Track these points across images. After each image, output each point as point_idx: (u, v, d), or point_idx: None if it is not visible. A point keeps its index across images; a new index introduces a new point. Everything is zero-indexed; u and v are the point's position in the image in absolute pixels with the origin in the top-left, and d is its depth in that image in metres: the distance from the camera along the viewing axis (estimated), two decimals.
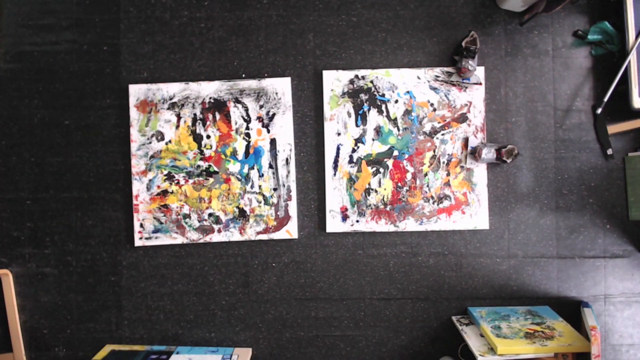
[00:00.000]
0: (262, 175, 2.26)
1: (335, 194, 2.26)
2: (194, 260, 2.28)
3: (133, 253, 2.28)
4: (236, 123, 2.27)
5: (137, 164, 2.26)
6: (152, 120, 2.26)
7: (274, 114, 2.27)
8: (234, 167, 2.26)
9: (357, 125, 2.27)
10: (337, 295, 2.28)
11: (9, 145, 2.29)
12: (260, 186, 2.26)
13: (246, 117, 2.27)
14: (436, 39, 2.28)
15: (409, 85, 2.26)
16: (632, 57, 2.13)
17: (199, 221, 2.26)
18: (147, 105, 2.26)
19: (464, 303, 2.28)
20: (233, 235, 2.26)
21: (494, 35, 2.28)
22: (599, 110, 2.20)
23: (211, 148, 2.26)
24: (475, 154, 2.22)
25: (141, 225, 2.25)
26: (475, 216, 2.25)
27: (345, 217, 2.26)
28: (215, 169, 2.26)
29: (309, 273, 2.28)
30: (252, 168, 2.27)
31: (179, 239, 2.25)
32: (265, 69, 2.29)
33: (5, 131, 2.29)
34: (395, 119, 2.26)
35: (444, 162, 2.26)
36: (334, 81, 2.26)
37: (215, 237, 2.26)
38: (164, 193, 2.25)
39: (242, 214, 2.26)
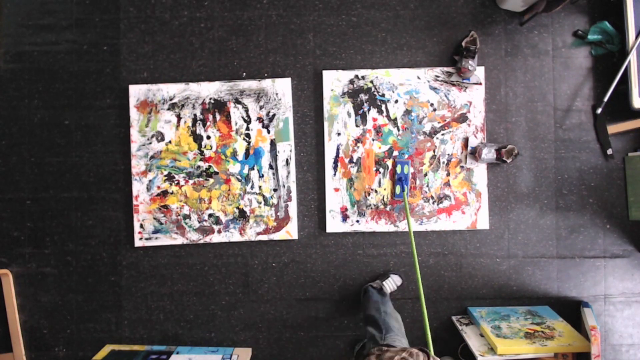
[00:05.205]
0: (262, 175, 2.26)
1: (335, 194, 2.26)
2: (194, 260, 2.28)
3: (133, 253, 2.28)
4: (236, 124, 2.27)
5: (137, 165, 2.26)
6: (152, 121, 2.26)
7: (274, 115, 2.27)
8: (234, 167, 2.26)
9: (357, 125, 2.27)
10: (337, 295, 2.28)
11: (9, 145, 2.28)
12: (260, 187, 2.26)
13: (246, 118, 2.27)
14: (436, 39, 2.28)
15: (408, 85, 2.26)
16: (632, 57, 2.13)
17: (199, 222, 2.26)
18: (147, 106, 2.26)
19: (464, 303, 2.28)
20: (233, 235, 2.26)
21: (494, 35, 2.28)
22: (599, 110, 2.20)
23: (211, 149, 2.26)
24: (475, 154, 2.22)
25: (141, 226, 2.25)
26: (475, 216, 2.25)
27: (345, 217, 2.26)
28: (216, 169, 2.26)
29: (309, 273, 2.28)
30: (252, 169, 2.26)
31: (179, 240, 2.25)
32: (265, 69, 2.29)
33: (5, 131, 2.28)
34: (395, 119, 2.26)
35: (444, 162, 2.26)
36: (334, 81, 2.26)
37: (215, 238, 2.26)
38: (164, 193, 2.25)
39: (242, 215, 2.26)
